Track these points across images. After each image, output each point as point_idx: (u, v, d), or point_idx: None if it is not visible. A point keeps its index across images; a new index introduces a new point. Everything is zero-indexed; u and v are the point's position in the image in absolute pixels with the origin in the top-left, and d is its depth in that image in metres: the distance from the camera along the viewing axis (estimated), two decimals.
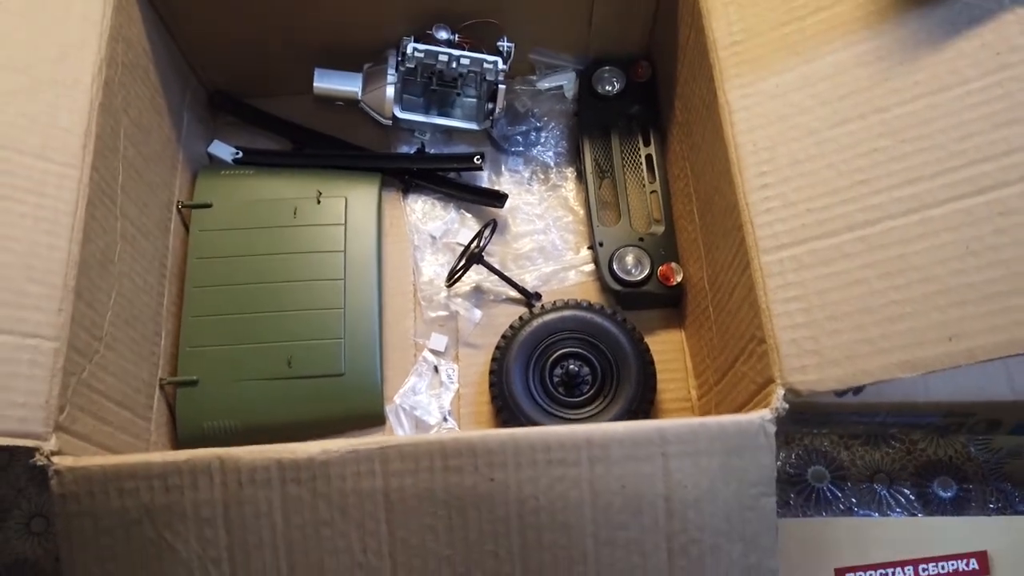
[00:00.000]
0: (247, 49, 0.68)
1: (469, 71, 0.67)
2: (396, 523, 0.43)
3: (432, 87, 0.69)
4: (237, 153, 0.70)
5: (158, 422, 0.58)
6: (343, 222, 0.66)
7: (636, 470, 0.43)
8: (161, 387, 0.59)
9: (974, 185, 0.43)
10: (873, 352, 0.42)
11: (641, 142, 0.69)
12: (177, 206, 0.65)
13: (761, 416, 0.43)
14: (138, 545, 0.43)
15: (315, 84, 0.67)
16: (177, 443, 0.60)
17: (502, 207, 0.69)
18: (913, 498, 0.62)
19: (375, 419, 0.62)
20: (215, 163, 0.71)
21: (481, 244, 0.65)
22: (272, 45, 0.68)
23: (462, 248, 0.67)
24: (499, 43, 0.66)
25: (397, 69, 0.67)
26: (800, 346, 0.44)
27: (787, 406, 0.43)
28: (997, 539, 0.56)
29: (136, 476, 0.43)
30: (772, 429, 0.43)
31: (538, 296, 0.66)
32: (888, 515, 0.61)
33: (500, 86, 0.67)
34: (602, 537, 0.43)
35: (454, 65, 0.66)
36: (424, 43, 0.65)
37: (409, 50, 0.65)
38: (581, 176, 0.69)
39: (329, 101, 0.69)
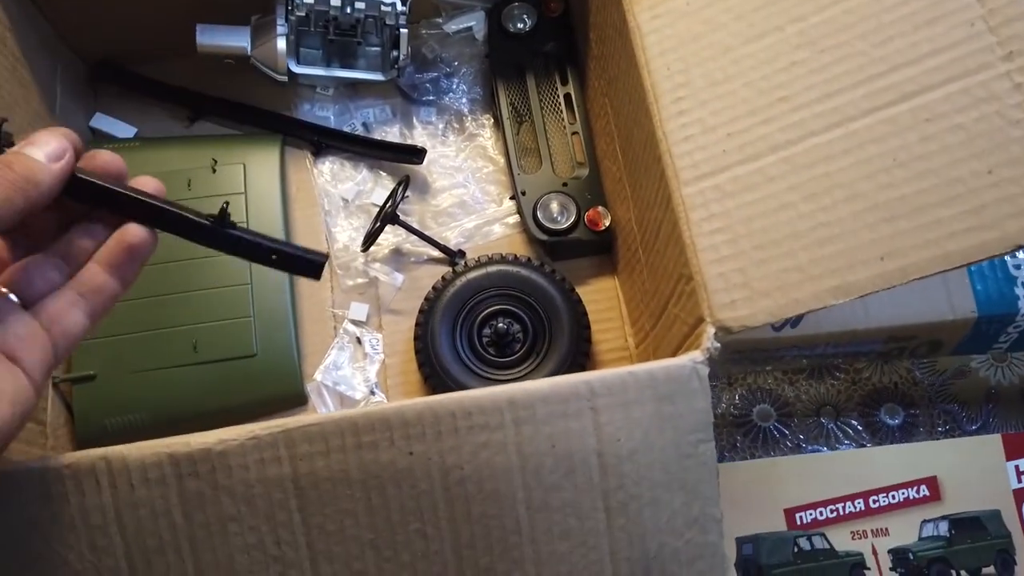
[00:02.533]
0: (119, 8, 0.62)
1: (367, 16, 0.62)
2: (310, 510, 0.40)
3: (330, 37, 0.64)
4: (130, 129, 0.64)
5: (55, 424, 0.54)
6: (243, 190, 0.61)
7: (565, 427, 0.40)
8: (55, 386, 0.54)
9: (898, 92, 0.40)
10: (804, 280, 0.40)
11: (558, 81, 0.65)
12: None
13: (692, 359, 0.40)
14: (27, 561, 0.38)
15: (198, 41, 0.61)
16: (77, 444, 0.55)
17: (421, 163, 0.65)
18: (861, 428, 0.60)
19: (295, 400, 0.58)
20: (99, 138, 0.65)
21: (396, 202, 0.60)
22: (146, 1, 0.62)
23: (377, 209, 0.62)
24: None
25: (287, 19, 0.61)
26: (728, 280, 0.41)
27: (719, 345, 0.41)
28: (945, 462, 0.55)
29: (14, 487, 0.38)
30: (705, 371, 0.40)
31: (462, 254, 0.63)
32: (837, 448, 0.59)
33: (402, 30, 0.62)
34: (535, 502, 0.40)
35: (348, 10, 0.61)
36: None
37: None
38: (498, 122, 0.65)
39: (219, 60, 0.63)
